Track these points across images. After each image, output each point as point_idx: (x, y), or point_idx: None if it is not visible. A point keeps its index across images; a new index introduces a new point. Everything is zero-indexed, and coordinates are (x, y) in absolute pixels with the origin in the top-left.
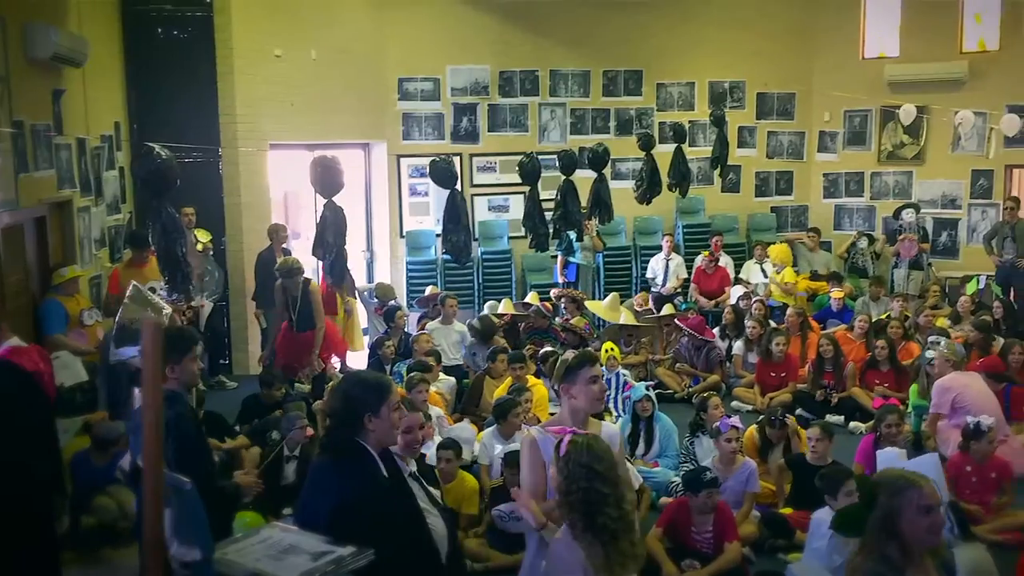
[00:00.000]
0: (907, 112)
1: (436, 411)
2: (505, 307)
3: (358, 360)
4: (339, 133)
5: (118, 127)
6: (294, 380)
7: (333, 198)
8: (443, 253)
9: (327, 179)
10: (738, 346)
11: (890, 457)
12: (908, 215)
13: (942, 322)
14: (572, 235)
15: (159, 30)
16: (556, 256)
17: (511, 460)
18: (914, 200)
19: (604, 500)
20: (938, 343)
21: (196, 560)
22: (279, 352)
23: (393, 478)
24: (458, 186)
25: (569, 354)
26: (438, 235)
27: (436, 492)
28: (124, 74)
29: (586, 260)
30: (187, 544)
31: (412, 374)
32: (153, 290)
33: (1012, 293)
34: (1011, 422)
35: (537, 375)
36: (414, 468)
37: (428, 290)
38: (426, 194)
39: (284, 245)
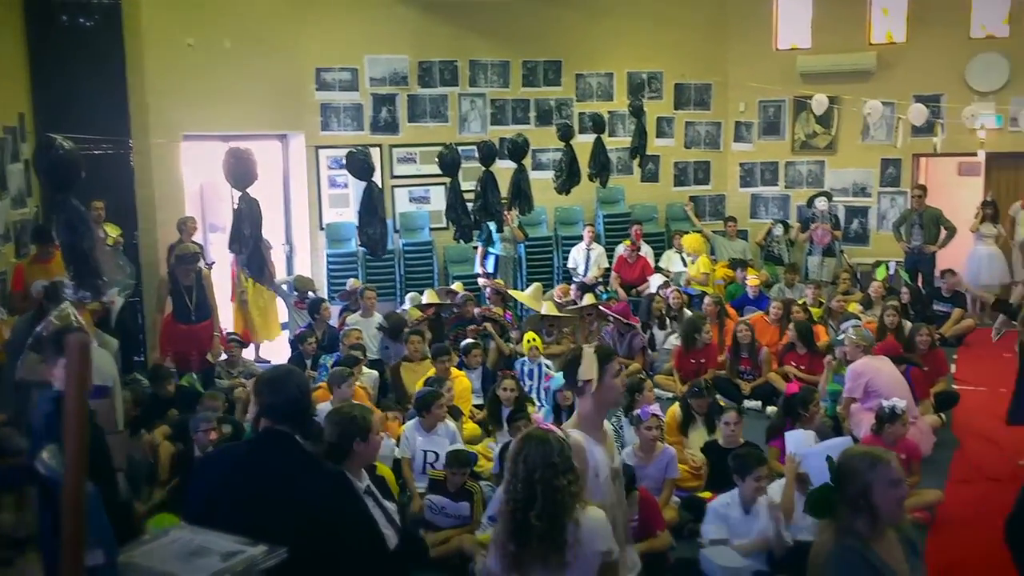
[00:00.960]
0: (819, 103)
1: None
2: (429, 297)
3: (272, 350)
4: (255, 124)
5: (22, 118)
6: (184, 373)
7: (247, 190)
8: (359, 245)
9: (240, 171)
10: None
11: (799, 439)
12: (821, 203)
13: (854, 307)
14: (492, 226)
15: (64, 17)
16: (477, 247)
17: (451, 459)
18: (826, 189)
19: (536, 498)
20: (848, 328)
21: (99, 564)
22: (166, 344)
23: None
24: (376, 178)
25: (588, 350)
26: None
27: (392, 506)
28: (28, 63)
29: (506, 251)
30: (89, 547)
31: (339, 368)
32: (58, 287)
33: (919, 278)
34: (919, 402)
35: (459, 366)
36: (367, 483)
37: (349, 283)
38: (346, 186)
39: (194, 238)
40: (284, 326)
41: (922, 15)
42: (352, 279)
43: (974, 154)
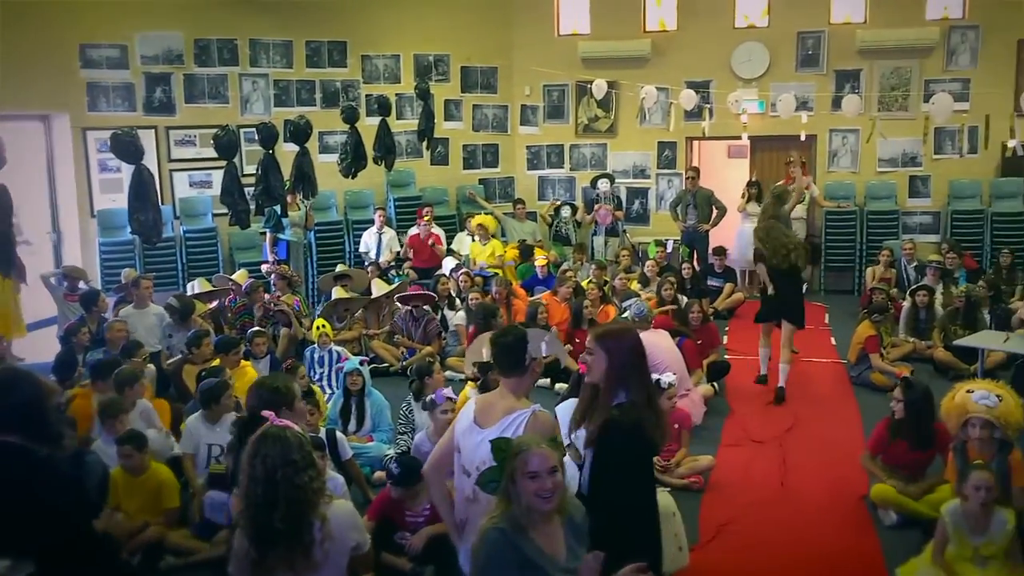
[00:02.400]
0: (599, 87)
1: (144, 404)
2: (202, 286)
3: (33, 349)
4: (12, 103)
5: None
6: None
7: None
8: (131, 233)
9: None
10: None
11: (567, 409)
12: (604, 185)
13: (635, 285)
14: (278, 210)
15: None
16: (264, 233)
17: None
18: (609, 171)
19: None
20: (630, 306)
21: None
22: None
23: None
24: (150, 161)
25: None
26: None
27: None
28: None
29: (296, 236)
30: None
31: (123, 370)
32: None
33: (695, 255)
34: (692, 372)
35: (245, 356)
36: None
37: (124, 273)
38: (118, 170)
39: None
40: (43, 323)
41: (691, 5)
42: (128, 269)
43: (739, 137)
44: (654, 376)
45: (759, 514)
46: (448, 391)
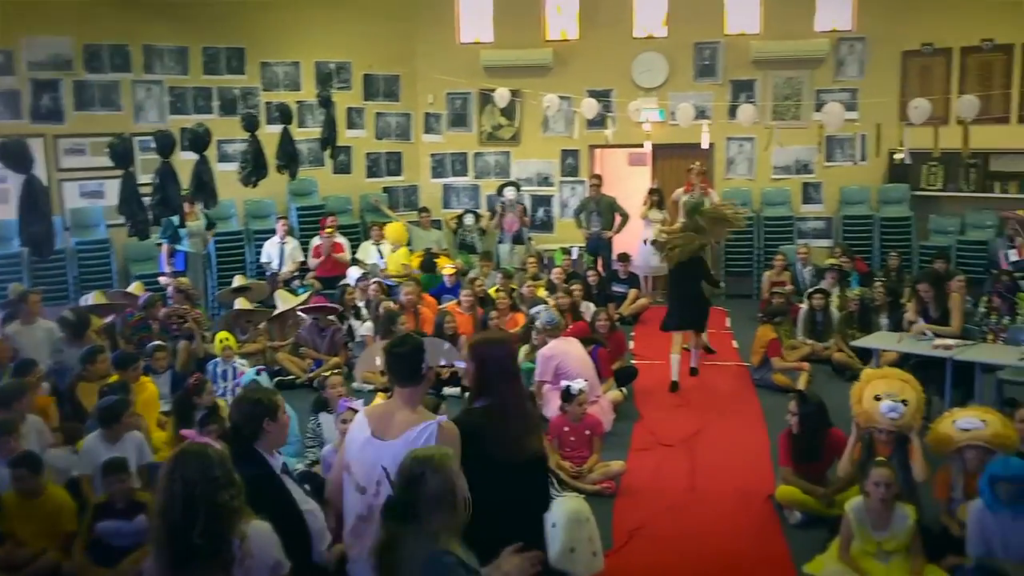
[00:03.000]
0: (501, 96)
1: (35, 421)
2: (96, 299)
3: None
4: None
5: None
6: None
7: None
8: (21, 245)
9: None
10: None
11: None
12: (509, 192)
13: (541, 292)
14: (176, 221)
15: None
16: (161, 244)
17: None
18: (513, 179)
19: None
20: (539, 314)
21: None
22: None
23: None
24: (38, 170)
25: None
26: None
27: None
28: None
29: (195, 247)
30: None
31: (7, 384)
32: None
33: (599, 262)
34: (602, 380)
35: (145, 372)
36: (282, 461)
37: (11, 288)
38: (5, 180)
39: None
40: None
41: (591, 15)
42: (15, 283)
43: (641, 145)
44: (564, 383)
45: (670, 517)
46: (354, 403)
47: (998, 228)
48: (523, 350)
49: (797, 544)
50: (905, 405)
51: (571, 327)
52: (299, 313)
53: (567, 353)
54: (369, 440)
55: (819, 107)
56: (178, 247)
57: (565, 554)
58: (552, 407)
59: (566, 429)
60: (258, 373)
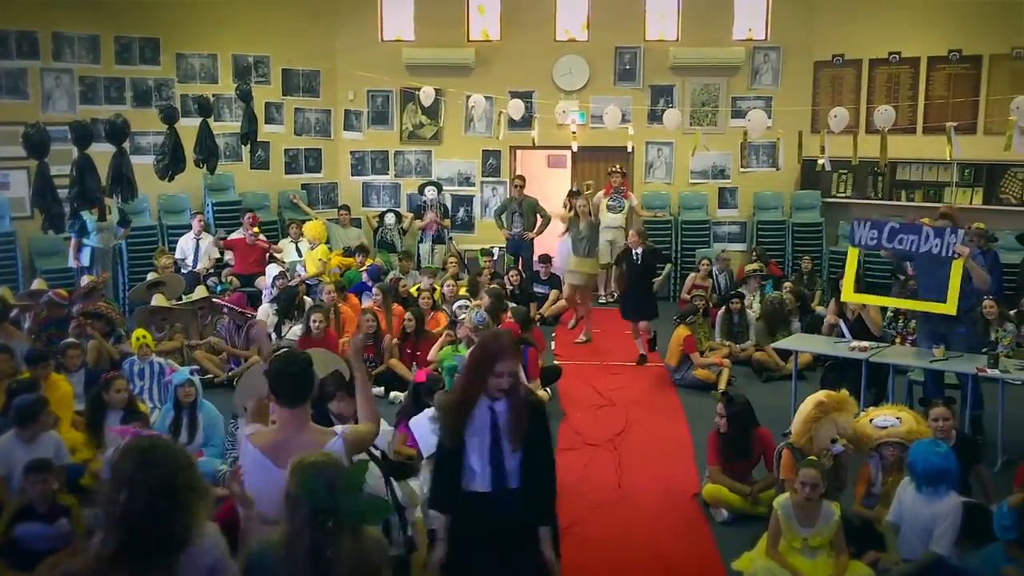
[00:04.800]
0: (427, 94)
1: None
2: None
3: None
4: None
5: None
6: None
7: None
8: None
9: None
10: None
11: (423, 422)
12: (430, 192)
13: (463, 291)
14: (86, 215)
15: None
16: (69, 238)
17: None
18: (434, 178)
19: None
20: (467, 312)
21: None
22: None
23: None
24: None
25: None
26: None
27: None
28: None
29: (103, 242)
30: None
31: None
32: None
33: (520, 263)
34: (531, 380)
35: (58, 369)
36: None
37: None
38: None
39: None
40: None
41: (513, 16)
42: None
43: (569, 147)
44: None
45: (599, 516)
46: None
47: None
48: (446, 348)
49: (725, 542)
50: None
51: (503, 324)
52: (221, 309)
53: None
54: (271, 471)
55: (736, 114)
56: (85, 241)
57: None
58: None
59: None
60: (192, 373)
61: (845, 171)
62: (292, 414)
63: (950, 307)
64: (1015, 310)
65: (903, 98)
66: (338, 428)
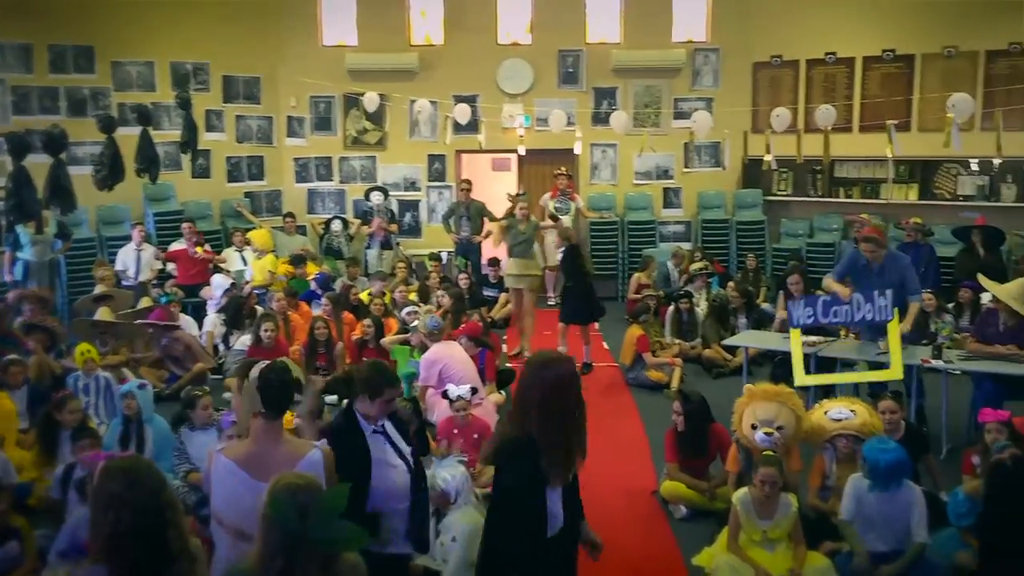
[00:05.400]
0: (371, 100)
1: None
2: None
3: None
4: None
5: None
6: None
7: None
8: None
9: None
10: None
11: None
12: (376, 197)
13: (413, 296)
14: (20, 228)
15: None
16: (3, 252)
17: None
18: (380, 183)
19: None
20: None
21: None
22: None
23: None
24: None
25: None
26: None
27: (406, 447)
28: None
29: (39, 256)
30: None
31: None
32: None
33: (469, 267)
34: (487, 383)
35: (0, 387)
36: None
37: None
38: None
39: None
40: None
41: (456, 20)
42: None
43: (515, 150)
44: (448, 387)
45: None
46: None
47: (844, 231)
48: (402, 349)
49: (684, 538)
50: (780, 431)
51: (463, 326)
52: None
53: (451, 357)
54: (247, 483)
55: (678, 115)
56: (19, 254)
57: (463, 569)
58: (438, 412)
59: (455, 432)
60: (141, 387)
61: (786, 170)
62: (269, 426)
63: (895, 372)
64: (952, 303)
65: (840, 97)
66: (320, 442)
